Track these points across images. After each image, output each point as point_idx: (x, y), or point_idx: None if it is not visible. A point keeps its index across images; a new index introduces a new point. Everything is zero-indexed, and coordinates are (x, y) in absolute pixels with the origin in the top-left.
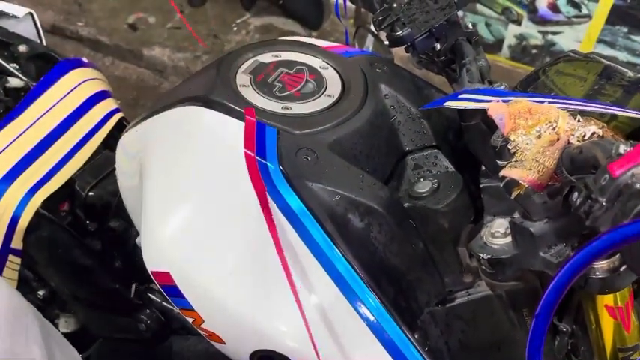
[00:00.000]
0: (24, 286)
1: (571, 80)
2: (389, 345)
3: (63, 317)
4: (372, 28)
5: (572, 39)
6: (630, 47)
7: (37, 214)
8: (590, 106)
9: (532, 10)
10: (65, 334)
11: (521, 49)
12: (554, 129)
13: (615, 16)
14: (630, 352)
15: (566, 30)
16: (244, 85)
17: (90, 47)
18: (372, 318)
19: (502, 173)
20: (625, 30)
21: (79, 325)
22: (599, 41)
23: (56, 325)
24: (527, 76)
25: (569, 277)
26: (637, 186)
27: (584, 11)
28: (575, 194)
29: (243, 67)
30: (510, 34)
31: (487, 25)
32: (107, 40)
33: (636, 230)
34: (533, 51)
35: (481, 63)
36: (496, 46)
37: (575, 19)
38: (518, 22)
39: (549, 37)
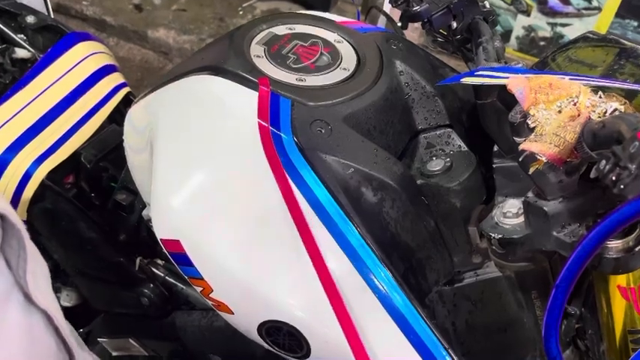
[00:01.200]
0: None
1: (584, 69)
2: (399, 318)
3: (65, 291)
4: (385, 8)
5: (581, 32)
6: None
7: (42, 185)
8: (612, 83)
9: (542, 2)
10: (66, 309)
11: (530, 41)
12: (575, 104)
13: (625, 9)
14: None
15: (575, 22)
16: (258, 56)
17: (94, 27)
18: (383, 291)
19: (522, 146)
20: (635, 24)
21: (80, 300)
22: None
23: (57, 299)
24: (538, 62)
25: (595, 243)
26: None
27: (595, 3)
28: (603, 162)
29: (257, 38)
30: (519, 25)
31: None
32: (112, 20)
33: None
34: (542, 43)
35: (497, 44)
36: (504, 36)
37: (585, 12)
38: (527, 13)
39: (558, 29)
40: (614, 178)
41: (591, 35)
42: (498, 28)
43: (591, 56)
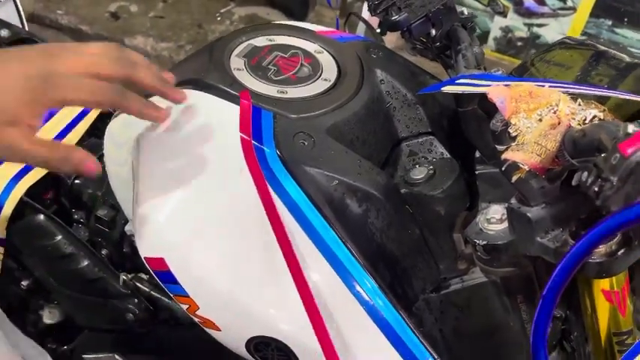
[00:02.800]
0: (7, 277)
1: (561, 71)
2: (387, 329)
3: (47, 308)
4: (364, 15)
5: (557, 31)
6: (614, 40)
7: (20, 202)
8: (590, 90)
9: (518, 3)
10: (49, 326)
11: (507, 41)
12: (555, 112)
13: (600, 9)
14: (625, 337)
15: (551, 22)
16: (239, 69)
17: (70, 36)
18: (370, 302)
19: (504, 156)
20: (609, 23)
21: (63, 317)
22: (584, 34)
23: (40, 317)
24: (518, 66)
25: (580, 256)
26: None
27: (569, 4)
28: (585, 174)
29: (237, 50)
30: (496, 26)
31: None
32: (88, 28)
33: None
34: (519, 43)
35: (476, 50)
36: (482, 38)
37: (560, 12)
38: (504, 15)
39: (534, 29)
40: (596, 189)
41: (569, 41)
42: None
43: (568, 59)
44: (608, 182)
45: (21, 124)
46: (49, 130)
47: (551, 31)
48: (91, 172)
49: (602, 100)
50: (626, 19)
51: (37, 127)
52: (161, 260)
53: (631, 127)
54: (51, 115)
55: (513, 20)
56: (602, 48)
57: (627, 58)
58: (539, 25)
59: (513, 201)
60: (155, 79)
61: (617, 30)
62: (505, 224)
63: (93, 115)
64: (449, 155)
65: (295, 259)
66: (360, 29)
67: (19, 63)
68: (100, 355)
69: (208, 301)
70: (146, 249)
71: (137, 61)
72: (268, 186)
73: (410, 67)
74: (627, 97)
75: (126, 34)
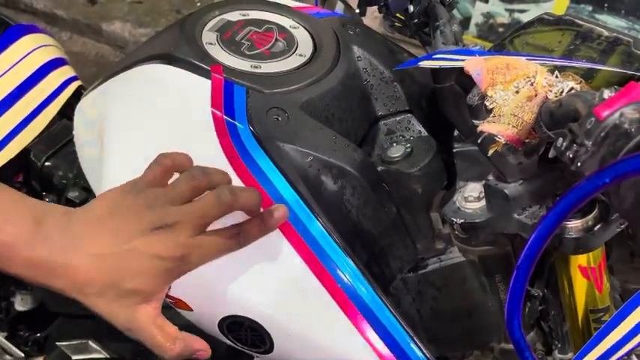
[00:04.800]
0: None
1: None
2: (364, 309)
3: (19, 295)
4: None
5: None
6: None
7: None
8: (567, 62)
9: None
10: (22, 313)
11: (488, 27)
12: (532, 84)
13: None
14: (601, 314)
15: (532, 8)
16: (210, 43)
17: (45, 21)
18: (346, 281)
19: (480, 128)
20: (590, 8)
21: (36, 303)
22: None
23: (12, 304)
24: (495, 44)
25: (555, 222)
26: (626, 125)
27: None
28: (560, 140)
29: (209, 25)
30: (477, 12)
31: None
32: (64, 13)
33: (625, 168)
34: (500, 29)
35: (454, 27)
36: (463, 24)
37: None
38: (485, 0)
39: (516, 15)
40: (571, 155)
41: (547, 17)
42: (458, 15)
43: (547, 40)
44: (583, 147)
45: (151, 301)
46: (19, 111)
47: (532, 17)
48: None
49: (585, 79)
50: (606, 5)
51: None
52: None
53: (607, 93)
54: (21, 94)
55: (495, 6)
56: (581, 23)
57: (606, 32)
58: (521, 11)
59: (491, 178)
60: (255, 202)
61: (598, 16)
62: (483, 202)
63: (65, 95)
64: (427, 133)
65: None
66: (339, 9)
67: (144, 242)
68: (74, 342)
69: (179, 280)
70: None
71: (237, 192)
72: (243, 162)
73: (387, 44)
74: (607, 69)
75: (103, 19)
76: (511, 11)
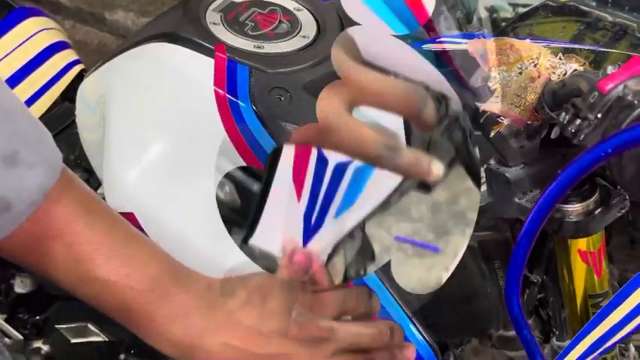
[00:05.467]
0: None
1: None
2: None
3: (19, 277)
4: None
5: None
6: None
7: None
8: (571, 45)
9: None
10: (21, 295)
11: (492, 22)
12: (535, 66)
13: None
14: (600, 299)
15: (535, 2)
16: (214, 23)
17: (49, 9)
18: None
19: (483, 107)
20: (593, 4)
21: (35, 286)
22: None
23: (11, 286)
24: (498, 32)
25: (556, 195)
26: (629, 97)
27: None
28: (563, 114)
29: (213, 5)
30: (481, 5)
31: None
32: (67, 1)
33: (628, 137)
34: (503, 23)
35: (459, 14)
36: (467, 18)
37: None
38: None
39: (520, 9)
40: (573, 130)
41: (551, 3)
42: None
43: (551, 31)
44: (585, 121)
45: None
46: (21, 93)
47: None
48: None
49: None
50: (610, 0)
51: None
52: (131, 216)
53: (610, 68)
54: (24, 76)
55: (499, 0)
56: (585, 10)
57: (610, 18)
58: (525, 5)
59: (492, 162)
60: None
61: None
62: (483, 187)
63: (68, 78)
64: None
65: None
66: None
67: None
68: (73, 325)
69: (180, 259)
70: (116, 204)
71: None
72: (244, 140)
73: None
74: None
75: (106, 8)
76: (515, 5)
